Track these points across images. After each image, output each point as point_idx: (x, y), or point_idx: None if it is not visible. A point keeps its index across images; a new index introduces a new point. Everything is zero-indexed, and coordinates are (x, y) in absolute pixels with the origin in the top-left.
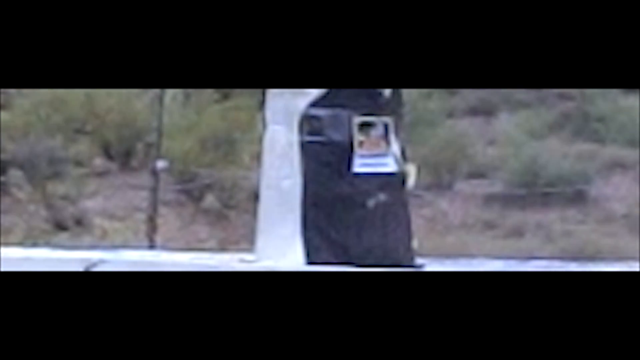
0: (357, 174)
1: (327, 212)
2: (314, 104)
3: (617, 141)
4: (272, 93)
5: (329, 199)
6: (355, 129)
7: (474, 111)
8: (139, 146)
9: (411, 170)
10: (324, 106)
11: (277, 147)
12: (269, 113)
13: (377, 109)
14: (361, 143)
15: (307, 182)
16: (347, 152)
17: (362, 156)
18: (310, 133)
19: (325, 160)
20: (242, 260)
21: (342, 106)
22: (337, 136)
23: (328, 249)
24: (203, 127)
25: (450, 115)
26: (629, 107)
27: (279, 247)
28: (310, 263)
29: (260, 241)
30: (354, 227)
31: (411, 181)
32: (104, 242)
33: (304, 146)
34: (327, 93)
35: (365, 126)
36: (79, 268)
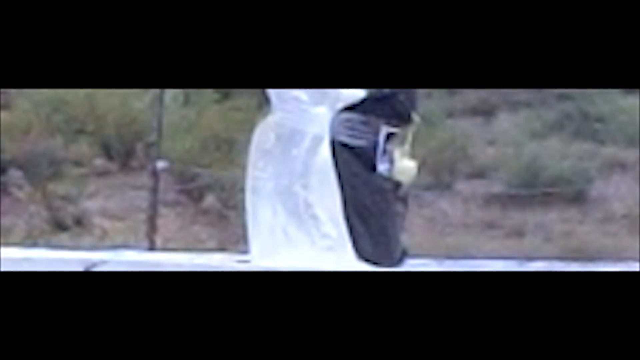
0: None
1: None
2: (347, 109)
3: (617, 141)
4: (281, 93)
5: (363, 195)
6: (382, 138)
7: (474, 111)
8: (139, 146)
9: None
10: (357, 111)
11: (263, 147)
12: (283, 113)
13: (401, 121)
14: (385, 151)
15: (343, 179)
16: (372, 155)
17: (383, 162)
18: (346, 136)
19: (356, 160)
20: (239, 261)
21: (374, 114)
22: (366, 141)
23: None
24: (203, 127)
25: (450, 115)
26: (629, 107)
27: (274, 250)
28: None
29: (254, 244)
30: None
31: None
32: (104, 242)
33: (336, 147)
34: (362, 101)
35: (391, 136)
36: (79, 268)
